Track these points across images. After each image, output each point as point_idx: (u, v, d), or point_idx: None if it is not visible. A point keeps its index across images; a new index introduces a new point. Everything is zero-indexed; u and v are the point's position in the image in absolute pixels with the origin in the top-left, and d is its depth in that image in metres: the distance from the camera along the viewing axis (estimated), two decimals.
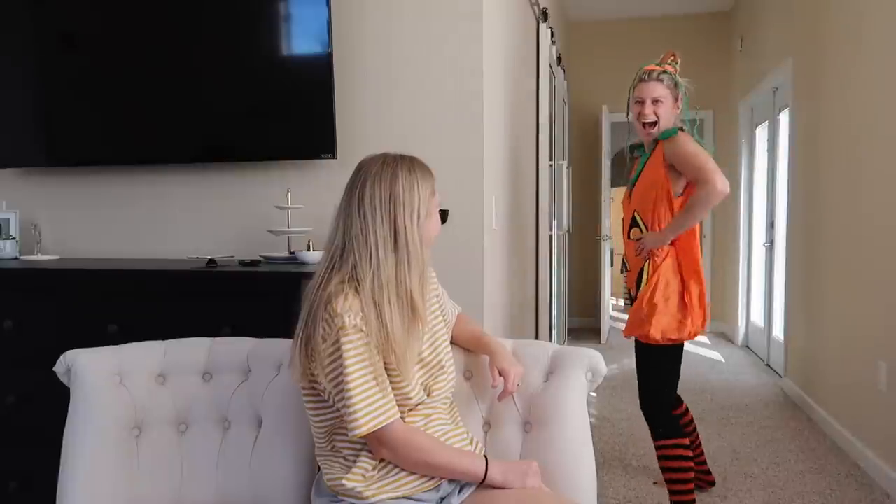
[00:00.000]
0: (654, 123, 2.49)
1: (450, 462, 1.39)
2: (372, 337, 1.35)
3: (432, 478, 1.42)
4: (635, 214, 2.52)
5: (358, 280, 1.36)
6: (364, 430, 1.32)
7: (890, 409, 2.98)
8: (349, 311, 1.33)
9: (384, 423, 1.33)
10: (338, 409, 1.38)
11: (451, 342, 1.69)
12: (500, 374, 1.56)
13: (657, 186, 2.46)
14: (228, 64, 2.40)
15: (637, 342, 2.52)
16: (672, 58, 2.56)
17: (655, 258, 2.46)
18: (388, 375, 1.39)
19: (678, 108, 2.54)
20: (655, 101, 2.47)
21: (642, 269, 2.50)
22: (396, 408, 1.36)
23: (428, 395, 1.46)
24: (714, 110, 6.66)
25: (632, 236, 2.54)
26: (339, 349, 1.32)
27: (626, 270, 2.62)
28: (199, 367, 1.70)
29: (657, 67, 2.51)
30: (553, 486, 1.53)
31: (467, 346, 1.69)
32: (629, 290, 2.59)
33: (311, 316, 1.37)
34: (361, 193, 1.40)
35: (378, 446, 1.37)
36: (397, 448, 1.36)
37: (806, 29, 4.23)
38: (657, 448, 2.54)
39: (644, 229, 2.50)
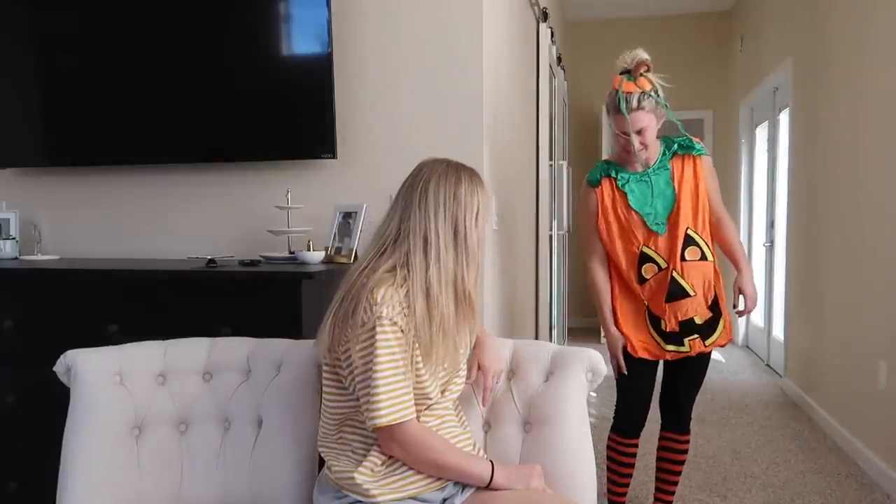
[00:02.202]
0: (643, 149, 2.31)
1: (458, 465, 1.40)
2: (411, 329, 1.36)
3: (438, 478, 1.43)
4: (689, 232, 2.32)
5: (408, 268, 1.38)
6: (384, 422, 1.32)
7: (890, 409, 2.98)
8: (389, 302, 1.34)
9: (403, 420, 1.34)
10: (357, 398, 1.39)
11: None
12: (479, 370, 1.57)
13: (699, 198, 2.34)
14: (228, 64, 2.40)
15: (709, 355, 2.46)
16: (645, 68, 2.27)
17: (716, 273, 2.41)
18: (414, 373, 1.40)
19: (662, 115, 2.32)
20: (640, 132, 2.25)
21: (716, 294, 2.37)
22: (415, 407, 1.37)
23: (442, 394, 1.46)
24: (714, 110, 6.66)
25: (688, 256, 2.32)
26: (373, 338, 1.33)
27: (686, 296, 2.32)
28: (199, 367, 1.70)
29: (635, 89, 2.24)
30: (553, 486, 1.53)
31: None
32: (694, 316, 2.34)
33: (353, 296, 1.38)
34: (425, 188, 1.42)
35: (390, 442, 1.37)
36: (410, 445, 1.37)
37: (806, 29, 4.23)
38: (688, 441, 2.57)
39: (705, 246, 2.34)
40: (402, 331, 1.35)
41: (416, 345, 1.38)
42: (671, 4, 6.37)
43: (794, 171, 4.50)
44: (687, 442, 2.56)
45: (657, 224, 2.33)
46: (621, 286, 2.43)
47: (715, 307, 2.36)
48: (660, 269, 2.34)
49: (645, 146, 2.29)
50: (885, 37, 3.06)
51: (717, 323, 2.37)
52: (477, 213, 1.44)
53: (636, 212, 2.34)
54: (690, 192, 2.34)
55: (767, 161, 5.41)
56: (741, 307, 2.43)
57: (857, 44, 3.38)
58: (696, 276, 2.32)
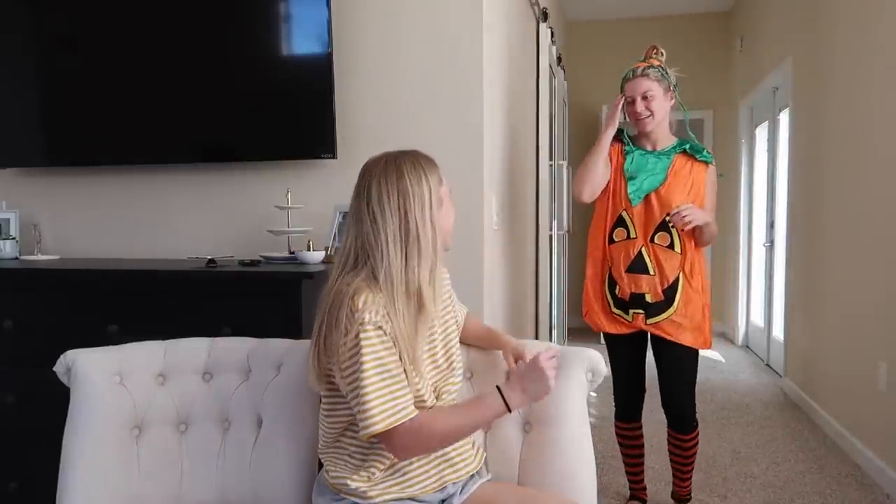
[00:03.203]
0: (649, 116, 2.47)
1: (472, 423, 1.38)
2: (393, 335, 1.34)
3: (437, 480, 1.42)
4: (667, 219, 2.44)
5: (375, 278, 1.36)
6: (379, 428, 1.29)
7: (890, 409, 2.98)
8: (371, 307, 1.32)
9: (400, 422, 1.31)
10: (352, 407, 1.37)
11: (461, 342, 1.69)
12: (516, 360, 1.57)
13: (692, 199, 2.45)
14: (229, 64, 2.40)
15: (682, 349, 2.50)
16: (654, 51, 2.55)
17: (695, 263, 2.49)
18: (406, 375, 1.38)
19: (671, 98, 2.52)
20: (646, 97, 2.45)
21: (678, 278, 2.45)
22: (413, 406, 1.34)
23: (437, 398, 1.45)
24: (714, 110, 6.66)
25: (657, 241, 2.45)
26: (357, 345, 1.31)
27: (646, 272, 2.47)
28: (199, 367, 1.70)
29: (642, 63, 2.50)
30: (553, 486, 1.53)
31: (478, 343, 1.69)
32: (646, 293, 2.47)
33: (330, 314, 1.35)
34: (368, 195, 1.39)
35: (393, 446, 1.35)
36: (414, 446, 1.35)
37: (806, 29, 4.23)
38: (693, 439, 2.61)
39: (676, 239, 2.44)
40: (387, 334, 1.33)
41: (405, 353, 1.36)
42: (671, 4, 6.37)
43: (794, 171, 4.50)
44: (692, 439, 2.62)
45: (636, 195, 2.49)
46: (594, 247, 2.60)
47: (669, 293, 2.47)
48: (628, 236, 2.50)
49: (651, 112, 2.45)
50: (885, 37, 3.06)
51: (667, 308, 2.48)
52: (429, 200, 1.38)
53: (624, 177, 2.52)
54: (683, 186, 2.48)
55: (767, 161, 5.41)
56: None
57: (857, 44, 3.38)
58: (659, 259, 2.47)
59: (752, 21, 5.71)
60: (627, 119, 2.55)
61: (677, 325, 2.47)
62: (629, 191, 2.50)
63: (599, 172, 2.51)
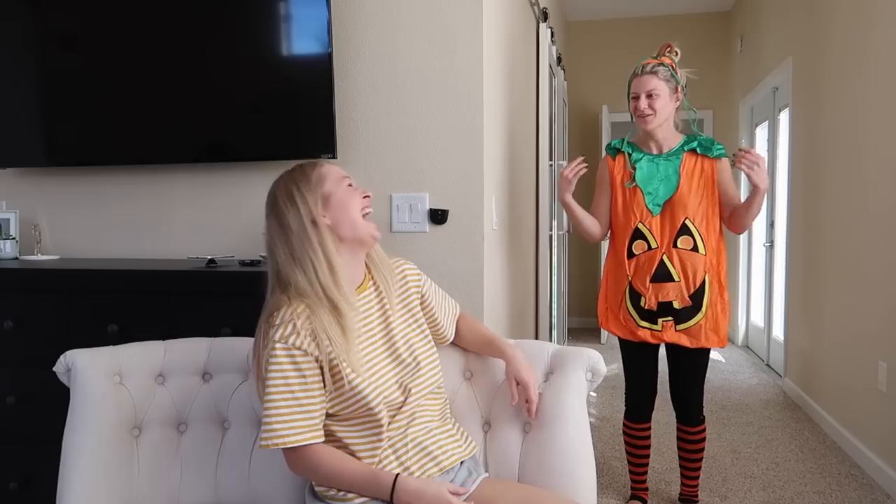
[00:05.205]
0: (651, 115, 2.45)
1: (356, 487, 1.37)
2: (319, 346, 1.36)
3: (420, 475, 1.43)
4: (687, 222, 2.44)
5: (289, 297, 1.40)
6: (267, 444, 1.33)
7: (890, 409, 2.98)
8: (288, 322, 1.36)
9: (289, 446, 1.34)
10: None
11: (458, 345, 1.68)
12: (518, 384, 1.55)
13: (705, 195, 2.45)
14: (228, 64, 2.40)
15: (700, 350, 2.52)
16: (668, 49, 2.53)
17: (719, 263, 2.49)
18: (342, 393, 1.38)
19: (677, 99, 2.50)
20: (650, 95, 2.43)
21: (704, 280, 2.45)
22: (314, 432, 1.36)
23: (407, 395, 1.45)
24: (714, 110, 6.66)
25: (680, 244, 2.44)
26: (268, 363, 1.36)
27: (671, 280, 2.45)
28: (199, 367, 1.70)
29: (653, 60, 2.48)
30: (553, 486, 1.53)
31: (477, 349, 1.68)
32: (674, 300, 2.45)
33: (257, 332, 1.43)
34: (269, 218, 1.46)
35: (287, 461, 1.40)
36: (301, 470, 1.39)
37: (806, 29, 4.23)
38: (701, 433, 2.64)
39: (700, 240, 2.44)
40: (303, 350, 1.35)
41: (340, 359, 1.37)
42: (671, 4, 6.37)
43: (794, 171, 4.51)
44: (700, 433, 2.65)
45: (655, 205, 2.47)
46: (613, 262, 2.59)
47: (697, 297, 2.46)
48: (649, 247, 2.48)
49: (654, 111, 2.44)
50: (884, 37, 3.06)
51: (696, 313, 2.47)
52: (309, 208, 1.42)
53: (640, 188, 2.49)
54: (697, 186, 2.46)
55: (767, 161, 5.41)
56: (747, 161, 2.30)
57: (857, 44, 3.38)
58: (684, 263, 2.45)
59: (752, 21, 5.71)
60: (632, 118, 2.54)
61: (700, 327, 2.48)
62: (647, 202, 2.47)
63: (589, 223, 2.57)
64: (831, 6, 3.76)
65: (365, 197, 1.49)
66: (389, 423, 1.42)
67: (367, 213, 1.48)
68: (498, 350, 1.62)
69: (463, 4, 2.33)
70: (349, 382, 1.37)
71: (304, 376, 1.36)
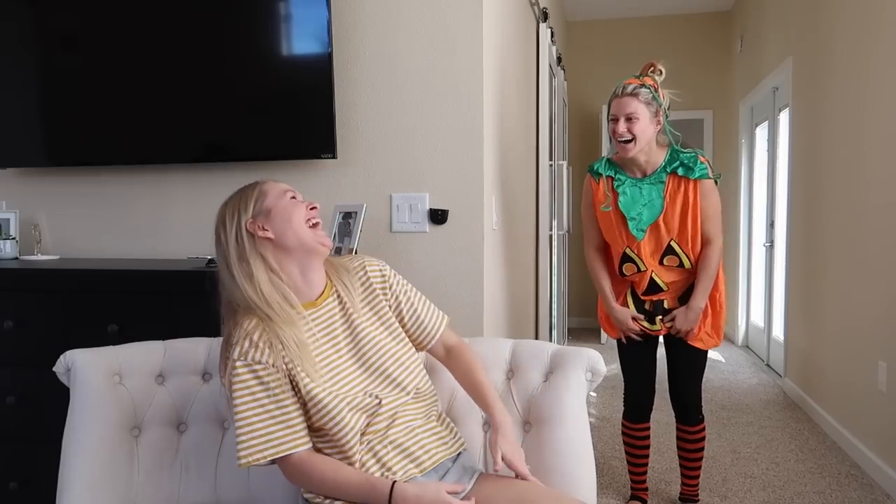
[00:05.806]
0: (630, 141, 2.37)
1: (351, 494, 1.36)
2: (279, 357, 1.37)
3: (403, 477, 1.41)
4: (672, 244, 2.45)
5: (239, 318, 1.42)
6: (243, 462, 1.34)
7: (890, 408, 2.98)
8: (245, 338, 1.38)
9: (274, 457, 1.35)
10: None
11: (450, 371, 1.64)
12: (503, 460, 1.44)
13: (688, 217, 2.43)
14: (228, 64, 2.40)
15: (696, 349, 2.56)
16: (652, 68, 2.43)
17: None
18: (304, 402, 1.38)
19: (658, 122, 2.40)
20: (630, 119, 2.35)
21: (692, 285, 2.52)
22: (296, 440, 1.36)
23: (382, 398, 1.43)
24: (714, 110, 6.66)
25: (666, 262, 2.48)
26: (232, 381, 1.37)
27: (661, 290, 2.53)
28: (199, 367, 1.70)
29: (635, 81, 2.39)
30: (553, 486, 1.53)
31: (464, 388, 1.60)
32: (664, 300, 2.55)
33: (220, 365, 1.45)
34: (216, 242, 1.48)
35: (283, 473, 1.40)
36: (297, 479, 1.39)
37: (806, 29, 4.23)
38: (700, 432, 2.67)
39: (685, 258, 2.46)
40: (264, 363, 1.36)
41: (297, 368, 1.38)
42: (671, 4, 6.38)
43: (794, 171, 4.51)
44: (699, 432, 2.67)
45: (639, 230, 2.47)
46: (611, 269, 2.65)
47: (684, 298, 2.54)
48: (639, 270, 2.53)
49: (633, 136, 2.36)
50: (885, 37, 3.06)
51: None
52: (253, 222, 1.44)
53: (623, 214, 2.48)
54: (681, 209, 2.44)
55: (767, 161, 5.41)
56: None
57: (857, 44, 3.38)
58: (671, 275, 2.51)
59: (752, 21, 5.71)
60: (611, 140, 2.47)
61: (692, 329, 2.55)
62: (630, 228, 2.46)
63: (606, 283, 2.63)
64: (831, 6, 3.76)
65: (312, 209, 1.49)
66: (368, 427, 1.41)
67: (315, 224, 1.48)
68: (486, 406, 1.54)
69: (463, 4, 2.33)
70: (307, 392, 1.38)
71: (269, 388, 1.36)
